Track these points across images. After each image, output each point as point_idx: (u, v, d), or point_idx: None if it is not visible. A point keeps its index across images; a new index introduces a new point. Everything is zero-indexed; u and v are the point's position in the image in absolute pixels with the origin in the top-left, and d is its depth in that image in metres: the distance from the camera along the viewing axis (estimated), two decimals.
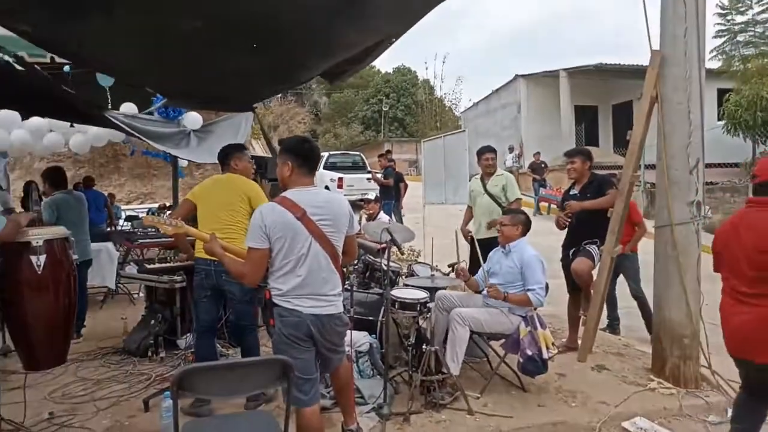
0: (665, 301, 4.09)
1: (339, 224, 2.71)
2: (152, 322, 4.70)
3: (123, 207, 13.17)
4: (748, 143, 13.39)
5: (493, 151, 5.55)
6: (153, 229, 8.15)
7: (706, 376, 4.02)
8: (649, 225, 4.84)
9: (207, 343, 3.66)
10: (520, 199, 5.38)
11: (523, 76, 20.03)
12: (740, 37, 12.25)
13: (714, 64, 12.66)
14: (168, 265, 4.64)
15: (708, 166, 4.08)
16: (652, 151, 4.32)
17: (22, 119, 6.25)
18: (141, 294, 6.80)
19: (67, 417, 3.49)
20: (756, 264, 2.61)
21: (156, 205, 13.10)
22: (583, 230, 4.55)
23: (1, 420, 3.10)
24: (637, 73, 15.80)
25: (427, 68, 46.95)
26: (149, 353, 4.55)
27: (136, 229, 8.26)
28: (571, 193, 4.79)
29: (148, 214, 12.30)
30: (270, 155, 7.29)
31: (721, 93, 14.60)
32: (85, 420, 3.46)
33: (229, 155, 3.84)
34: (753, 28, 11.91)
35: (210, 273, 3.50)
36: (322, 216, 2.63)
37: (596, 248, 4.48)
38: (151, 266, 4.61)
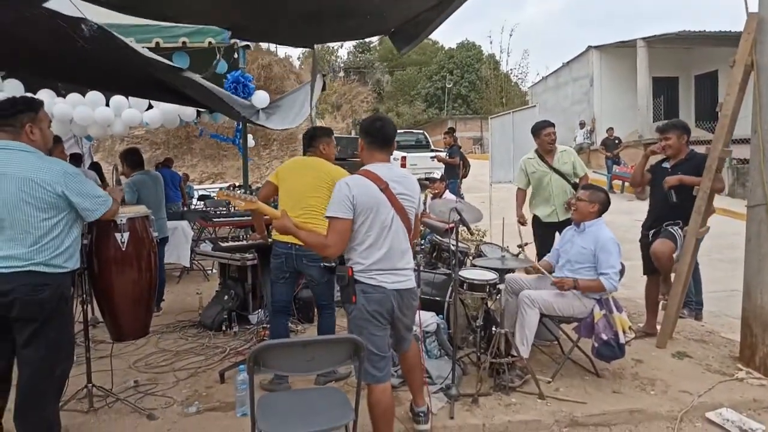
0: (756, 285, 3.80)
1: (414, 199, 2.80)
2: (225, 297, 4.89)
3: (195, 186, 13.73)
4: None
5: (553, 124, 5.08)
6: (225, 209, 8.46)
7: None
8: (733, 203, 4.48)
9: (281, 321, 3.74)
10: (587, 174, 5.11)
11: (596, 47, 19.06)
12: None
13: None
14: (241, 243, 4.79)
15: None
16: (740, 124, 3.98)
17: (107, 100, 6.62)
18: (214, 270, 7.11)
19: (150, 386, 3.69)
20: None
21: (226, 185, 13.61)
22: (668, 209, 4.26)
23: (93, 386, 3.32)
24: (723, 39, 14.69)
25: (491, 42, 45.62)
26: (223, 327, 4.74)
27: (209, 208, 8.61)
28: (662, 165, 4.45)
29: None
30: (345, 135, 7.33)
31: None
32: (167, 389, 3.65)
33: (316, 138, 3.75)
34: None
35: (291, 256, 3.53)
36: (401, 190, 2.71)
37: (679, 230, 4.20)
38: (225, 244, 4.76)
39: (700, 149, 4.47)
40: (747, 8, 3.80)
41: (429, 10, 3.74)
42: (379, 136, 2.79)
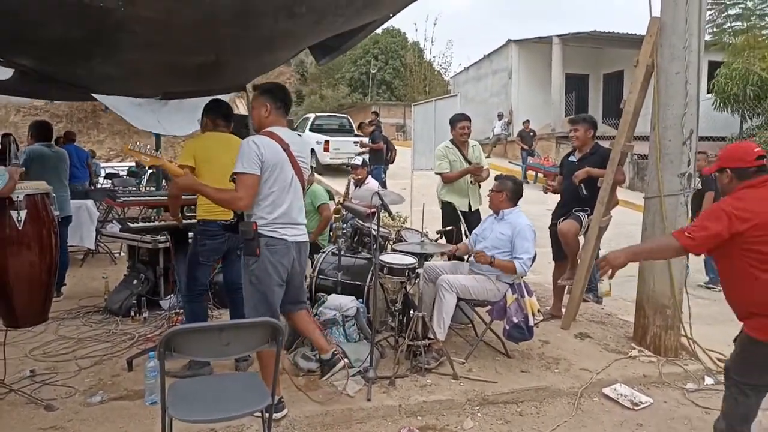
0: (650, 272, 4.13)
1: (307, 162, 3.11)
2: (135, 282, 4.65)
3: (102, 164, 12.87)
4: (736, 118, 13.45)
5: (469, 119, 5.27)
6: (135, 188, 8.02)
7: (686, 345, 4.11)
8: (633, 196, 4.84)
9: (202, 305, 3.61)
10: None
11: (515, 41, 19.73)
12: (731, 10, 12.13)
13: (706, 37, 12.53)
14: (152, 224, 4.54)
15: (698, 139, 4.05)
16: (643, 122, 4.28)
17: None
18: (122, 253, 6.72)
19: (48, 375, 3.45)
20: None
21: (134, 163, 12.86)
22: (576, 199, 4.53)
23: None
24: (630, 41, 15.67)
25: (416, 30, 45.96)
26: (132, 313, 4.50)
27: (117, 187, 8.10)
28: (569, 159, 4.73)
29: (128, 171, 12.09)
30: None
31: (713, 66, 14.56)
32: (68, 378, 3.43)
33: (231, 116, 3.65)
34: (743, 1, 11.80)
35: (233, 236, 3.36)
36: (298, 152, 2.99)
37: (585, 215, 4.49)
38: (134, 225, 4.50)
39: (606, 144, 4.78)
40: (650, 12, 4.08)
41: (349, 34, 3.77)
42: (286, 101, 3.05)
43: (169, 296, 4.64)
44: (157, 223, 4.52)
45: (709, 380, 3.73)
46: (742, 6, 11.93)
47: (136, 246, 4.71)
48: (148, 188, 9.68)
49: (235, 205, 2.87)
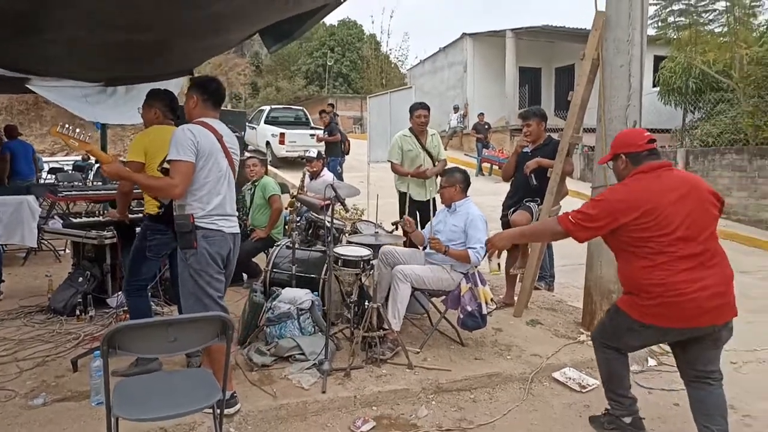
0: (597, 258, 4.27)
1: (237, 155, 3.11)
2: (80, 279, 4.48)
3: (46, 159, 12.32)
4: (678, 111, 14.01)
5: (426, 107, 5.32)
6: (80, 183, 7.70)
7: None
8: (584, 186, 4.98)
9: (146, 299, 3.49)
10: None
11: (470, 34, 19.94)
12: (675, 6, 12.61)
13: (650, 31, 12.99)
14: (97, 219, 4.37)
15: None
16: (591, 114, 4.40)
17: None
18: (67, 251, 6.46)
19: None
20: (706, 220, 2.46)
21: (80, 158, 12.35)
22: (527, 189, 4.63)
23: None
24: (580, 36, 16.06)
25: (373, 22, 45.87)
26: (77, 312, 4.33)
27: (61, 182, 7.78)
28: (524, 150, 4.83)
29: (74, 165, 11.60)
30: None
31: (657, 60, 15.11)
32: (7, 381, 3.28)
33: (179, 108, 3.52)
34: None
35: None
36: (230, 144, 2.99)
37: (535, 206, 4.59)
38: (77, 220, 4.32)
39: (557, 136, 4.89)
40: (596, 6, 4.19)
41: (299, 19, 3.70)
42: (215, 95, 3.01)
43: (116, 294, 4.49)
44: (102, 218, 4.34)
45: (651, 362, 3.89)
46: (686, 2, 12.41)
47: (81, 242, 4.54)
48: (95, 183, 9.33)
49: (170, 192, 2.79)
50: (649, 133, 2.63)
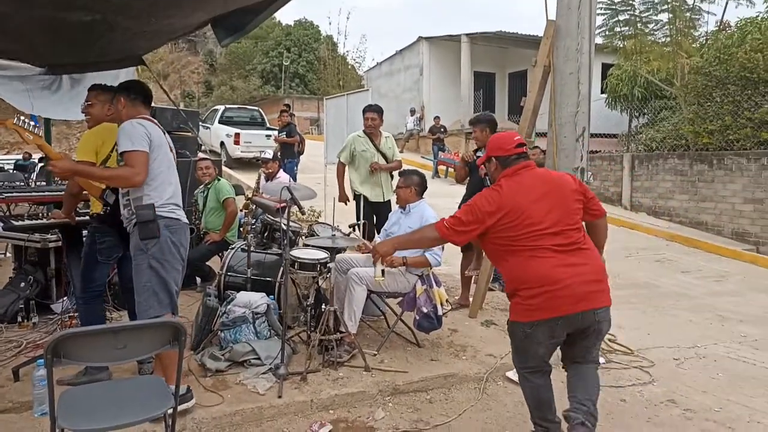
0: None
1: (174, 153, 3.17)
2: (22, 284, 4.27)
3: None
4: (625, 116, 14.59)
5: (377, 110, 5.35)
6: (22, 183, 7.34)
7: None
8: None
9: (100, 307, 3.38)
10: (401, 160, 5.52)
11: (426, 38, 20.16)
12: (621, 16, 13.14)
13: (598, 40, 13.49)
14: (41, 221, 4.18)
15: (591, 135, 4.35)
16: (544, 119, 4.53)
17: None
18: (8, 254, 6.15)
19: None
20: (569, 214, 2.58)
21: (21, 157, 11.79)
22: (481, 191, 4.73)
23: None
24: (533, 42, 16.49)
25: (330, 23, 45.80)
26: (19, 319, 4.14)
27: (2, 182, 7.41)
28: (477, 154, 4.94)
29: (15, 165, 11.07)
30: (169, 106, 6.80)
31: (606, 67, 15.69)
32: None
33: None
34: (631, 9, 12.83)
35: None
36: (169, 142, 3.08)
37: None
38: (19, 223, 4.13)
39: None
40: (547, 15, 4.32)
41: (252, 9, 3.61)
42: (142, 92, 3.05)
43: (61, 299, 4.31)
44: (46, 220, 4.16)
45: (600, 360, 4.02)
46: (631, 12, 12.93)
47: (23, 246, 4.32)
48: (38, 183, 8.92)
49: (132, 180, 2.78)
50: (519, 137, 2.76)
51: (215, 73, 36.12)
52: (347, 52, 36.57)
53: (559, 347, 2.70)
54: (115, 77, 5.17)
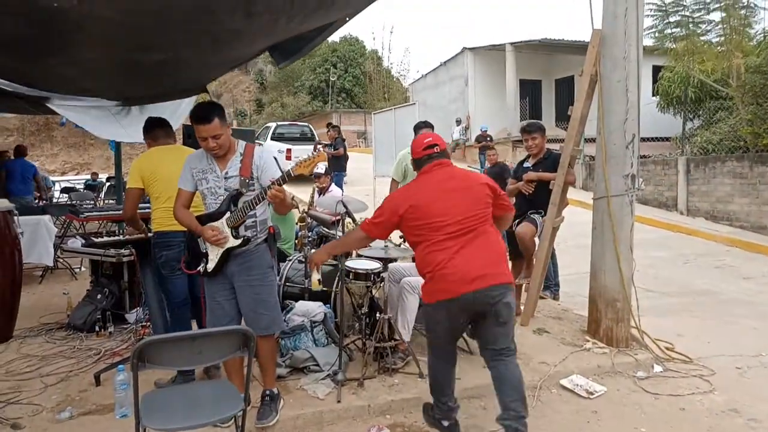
0: (601, 267, 4.37)
1: None
2: (98, 296, 4.62)
3: (57, 178, 12.53)
4: (678, 119, 14.15)
5: (430, 126, 5.40)
6: (92, 202, 7.85)
7: (635, 336, 4.35)
8: (586, 195, 5.08)
9: (186, 316, 3.60)
10: None
11: (470, 49, 20.20)
12: (672, 18, 12.82)
13: (648, 42, 13.18)
14: (118, 238, 4.52)
15: (642, 140, 4.33)
16: (592, 125, 4.54)
17: None
18: (84, 268, 6.61)
19: (12, 394, 3.41)
20: (472, 207, 2.78)
21: (89, 176, 12.56)
22: (530, 201, 4.77)
23: None
24: (579, 48, 16.29)
25: (374, 39, 46.53)
26: (96, 328, 4.47)
27: (75, 201, 7.95)
28: (524, 165, 4.98)
29: (85, 185, 11.79)
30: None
31: (656, 70, 15.27)
32: (33, 396, 3.40)
33: (168, 125, 3.75)
34: (682, 10, 12.50)
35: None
36: None
37: (539, 217, 4.72)
38: (99, 240, 4.47)
39: (557, 146, 5.04)
40: (593, 24, 4.35)
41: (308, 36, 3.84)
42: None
43: (134, 310, 4.63)
44: (122, 237, 4.49)
45: (657, 368, 3.98)
46: (682, 14, 12.60)
47: (98, 260, 4.68)
48: (107, 201, 9.50)
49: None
50: (429, 140, 2.97)
51: (265, 91, 37.25)
52: (391, 65, 37.03)
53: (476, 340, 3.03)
54: (178, 104, 5.55)
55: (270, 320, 3.05)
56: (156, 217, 3.51)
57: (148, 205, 3.70)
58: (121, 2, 2.68)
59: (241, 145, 3.03)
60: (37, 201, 8.65)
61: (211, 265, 3.00)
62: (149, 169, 3.52)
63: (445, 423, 2.97)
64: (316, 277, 3.36)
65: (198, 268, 3.06)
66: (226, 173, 2.98)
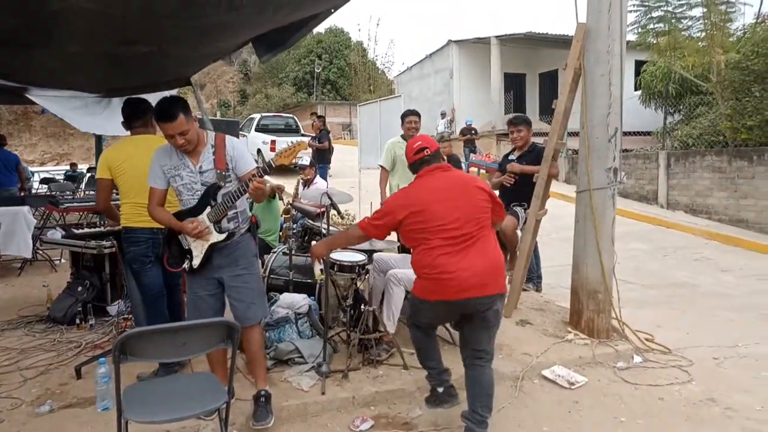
0: (583, 259, 4.42)
1: None
2: (79, 288, 4.56)
3: (36, 169, 12.30)
4: (660, 113, 14.32)
5: (417, 114, 5.53)
6: (71, 193, 7.73)
7: (616, 327, 4.42)
8: (569, 189, 5.14)
9: (161, 308, 3.55)
10: None
11: (455, 41, 20.20)
12: (654, 13, 12.94)
13: (631, 37, 13.29)
14: (98, 230, 4.46)
15: (624, 134, 4.37)
16: (575, 118, 4.57)
17: None
18: (63, 260, 6.51)
19: None
20: (472, 212, 2.84)
21: (68, 167, 12.35)
22: (513, 194, 4.81)
23: None
24: (563, 42, 16.38)
25: (360, 30, 46.16)
26: (77, 321, 4.42)
27: (54, 192, 7.82)
28: (510, 158, 5.02)
29: (65, 175, 11.60)
30: (212, 118, 7.07)
31: (639, 64, 15.43)
32: (12, 389, 3.36)
33: (148, 111, 3.53)
34: (665, 5, 12.62)
35: (157, 241, 3.37)
36: None
37: (522, 210, 4.76)
38: (80, 231, 4.41)
39: (541, 140, 5.08)
40: (577, 18, 4.37)
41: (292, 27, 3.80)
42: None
43: (116, 302, 4.58)
44: (103, 228, 4.43)
45: (637, 359, 4.05)
46: (664, 9, 12.71)
47: (79, 252, 4.61)
48: (87, 192, 9.35)
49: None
50: (418, 144, 3.03)
51: (250, 82, 36.88)
52: (376, 57, 36.87)
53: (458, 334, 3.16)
54: (161, 94, 5.48)
55: (258, 308, 3.06)
56: (123, 212, 3.44)
57: None
58: None
59: (210, 136, 2.96)
60: (19, 192, 8.47)
61: (196, 262, 2.94)
62: (117, 161, 3.42)
63: (440, 389, 3.09)
64: (318, 268, 3.42)
65: (183, 266, 3.00)
66: (200, 167, 2.89)
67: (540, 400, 3.48)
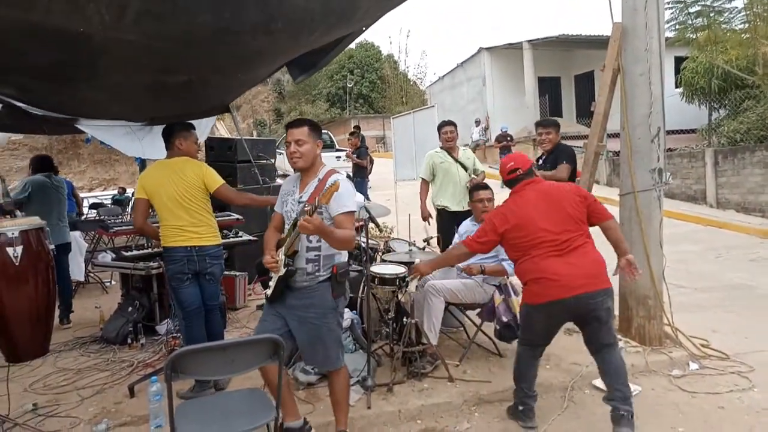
0: None
1: None
2: (130, 309, 4.69)
3: (86, 194, 12.82)
4: (704, 110, 13.86)
5: (453, 124, 5.53)
6: (120, 218, 7.98)
7: (669, 333, 4.26)
8: (611, 192, 5.00)
9: (198, 324, 3.65)
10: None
11: (486, 48, 20.10)
12: (692, 8, 12.60)
13: (669, 34, 12.94)
14: (146, 251, 4.60)
15: (666, 132, 4.24)
16: (615, 119, 4.47)
17: None
18: (114, 282, 6.74)
19: (51, 407, 3.48)
20: (566, 218, 3.02)
21: (116, 191, 12.84)
22: None
23: None
24: (597, 43, 16.08)
25: (391, 43, 46.42)
26: (129, 340, 4.55)
27: (103, 216, 8.10)
28: (539, 163, 4.96)
29: (113, 199, 12.06)
30: (249, 137, 7.23)
31: (679, 61, 14.98)
32: (71, 409, 3.47)
33: (173, 134, 3.69)
34: (702, 0, 12.28)
35: (192, 259, 3.53)
36: None
37: None
38: (129, 253, 4.56)
39: (580, 143, 4.98)
40: (612, 18, 4.29)
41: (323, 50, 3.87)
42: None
43: (165, 321, 4.69)
44: (150, 250, 4.57)
45: (693, 366, 3.88)
46: (701, 4, 12.36)
47: (128, 273, 4.76)
48: (132, 215, 9.67)
49: (352, 244, 2.76)
50: (511, 164, 3.25)
51: (284, 100, 37.56)
52: (407, 68, 37.04)
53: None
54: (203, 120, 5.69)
55: (324, 357, 2.86)
56: (161, 233, 3.61)
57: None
58: (144, 26, 2.72)
59: (323, 170, 2.86)
60: (77, 217, 8.84)
61: (268, 292, 2.88)
62: (149, 185, 3.60)
63: (521, 407, 3.19)
64: (414, 284, 3.62)
65: (266, 290, 2.97)
66: (301, 197, 2.82)
67: (592, 411, 3.38)
